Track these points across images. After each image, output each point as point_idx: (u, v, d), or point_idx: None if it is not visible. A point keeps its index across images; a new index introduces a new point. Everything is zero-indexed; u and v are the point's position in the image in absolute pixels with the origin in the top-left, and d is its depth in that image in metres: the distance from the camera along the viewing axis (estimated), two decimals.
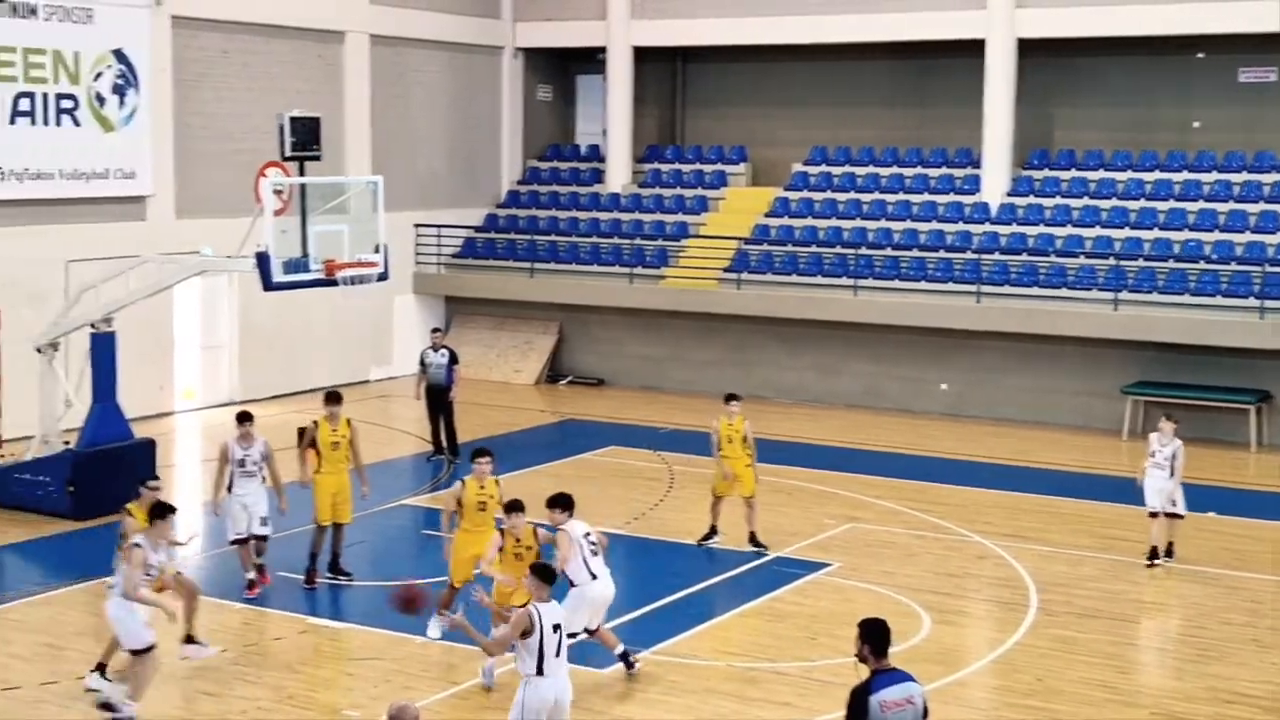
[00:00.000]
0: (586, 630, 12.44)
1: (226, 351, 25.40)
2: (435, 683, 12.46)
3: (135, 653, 11.53)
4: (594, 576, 12.39)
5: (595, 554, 12.48)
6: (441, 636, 13.20)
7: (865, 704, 7.89)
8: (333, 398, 15.27)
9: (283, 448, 22.14)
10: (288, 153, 16.72)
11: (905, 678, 8.06)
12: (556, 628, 9.89)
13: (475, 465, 13.47)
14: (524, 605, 10.24)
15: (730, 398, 16.78)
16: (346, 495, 15.07)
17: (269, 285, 16.43)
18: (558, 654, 9.87)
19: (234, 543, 14.82)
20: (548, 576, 10.10)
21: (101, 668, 12.26)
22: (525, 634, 9.77)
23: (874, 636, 8.09)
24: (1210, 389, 23.45)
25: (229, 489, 14.42)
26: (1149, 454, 16.54)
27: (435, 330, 22.51)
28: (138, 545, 11.48)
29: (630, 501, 18.88)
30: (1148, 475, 16.48)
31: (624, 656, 12.67)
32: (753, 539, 16.56)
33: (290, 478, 15.49)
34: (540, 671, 9.80)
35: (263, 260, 16.21)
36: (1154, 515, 16.43)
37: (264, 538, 14.76)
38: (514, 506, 12.12)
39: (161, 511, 11.77)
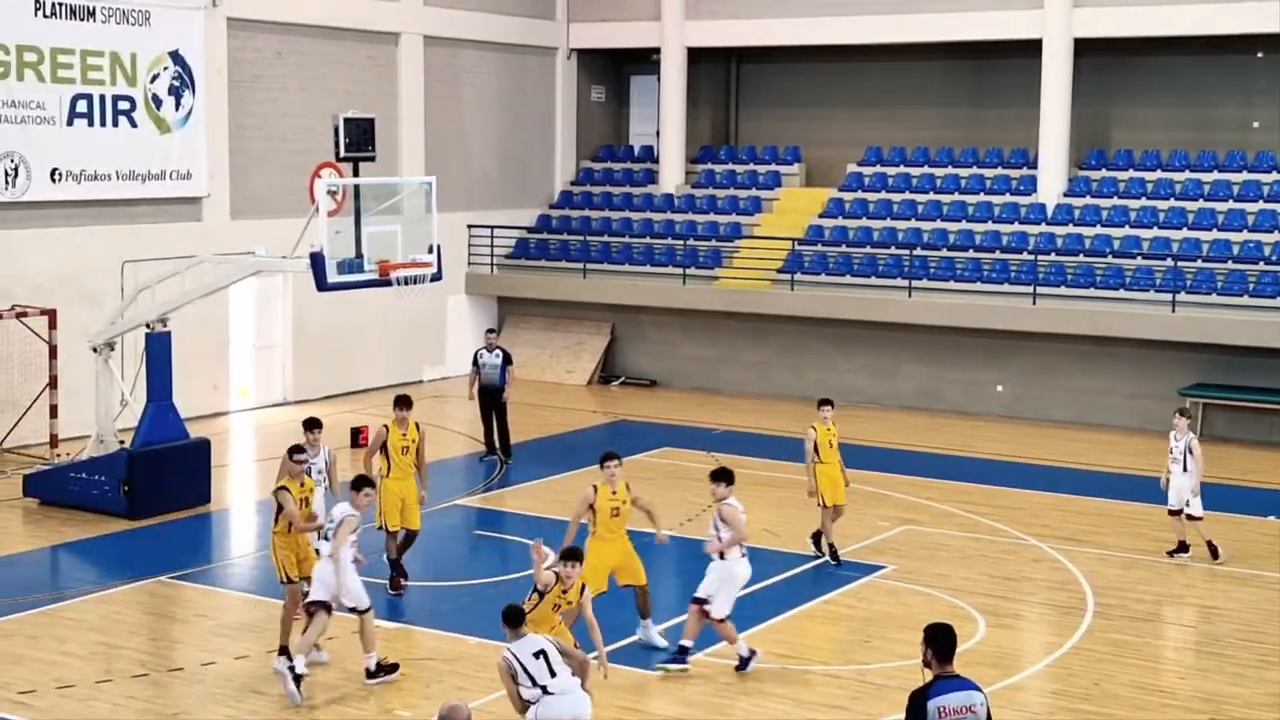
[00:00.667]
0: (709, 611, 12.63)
1: (281, 351, 25.57)
2: (489, 683, 12.43)
3: (357, 611, 12.30)
4: (744, 554, 12.72)
5: None
6: None
7: (924, 709, 7.82)
8: (403, 402, 15.16)
9: (336, 447, 22.33)
10: (342, 153, 16.79)
11: (968, 686, 7.96)
12: (539, 654, 9.78)
13: (605, 468, 13.15)
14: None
15: (824, 403, 16.41)
16: (414, 500, 14.99)
17: (323, 285, 16.49)
18: (554, 674, 9.75)
19: None
20: (515, 621, 9.94)
21: (284, 650, 12.58)
22: (514, 679, 9.73)
23: (938, 642, 8.01)
24: (1269, 391, 23.13)
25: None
26: (1169, 451, 16.52)
27: (489, 331, 22.53)
28: (353, 515, 12.23)
29: (683, 503, 18.82)
30: (1171, 474, 16.42)
31: (682, 651, 12.77)
32: (827, 543, 16.29)
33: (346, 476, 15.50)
34: (547, 691, 9.72)
35: (317, 261, 16.28)
36: (1174, 513, 16.40)
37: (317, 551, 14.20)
38: (572, 555, 11.25)
39: (359, 484, 12.49)
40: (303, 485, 13.02)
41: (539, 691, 9.73)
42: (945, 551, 16.78)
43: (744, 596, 14.97)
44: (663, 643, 13.24)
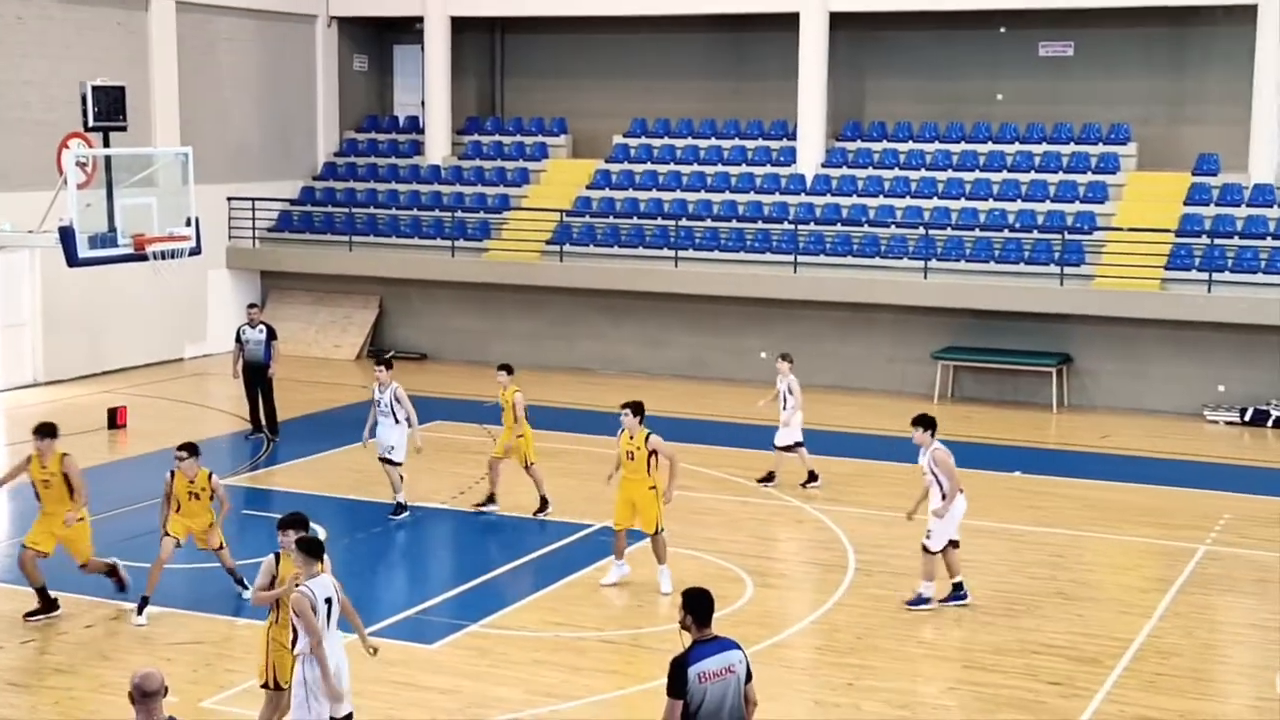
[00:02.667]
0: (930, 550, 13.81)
1: (30, 330, 24.46)
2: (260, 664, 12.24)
3: None
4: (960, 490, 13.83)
5: None
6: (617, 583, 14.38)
7: (684, 675, 7.96)
8: (43, 430, 13.34)
9: (91, 429, 21.62)
10: (91, 123, 16.21)
11: (727, 646, 8.11)
12: (328, 601, 9.76)
13: (622, 417, 14.32)
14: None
15: (500, 368, 17.53)
16: (70, 531, 13.36)
17: (74, 261, 15.91)
18: (328, 626, 9.75)
19: None
20: (315, 551, 9.87)
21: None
22: (314, 610, 9.62)
23: (695, 606, 8.14)
24: (1015, 353, 24.31)
25: None
26: (777, 394, 18.38)
27: (252, 306, 21.97)
28: None
29: (456, 475, 18.80)
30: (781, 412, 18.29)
31: (958, 588, 13.96)
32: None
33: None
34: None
35: (66, 235, 15.69)
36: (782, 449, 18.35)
37: None
38: (290, 524, 10.42)
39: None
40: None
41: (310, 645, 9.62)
42: (714, 516, 17.18)
43: (518, 567, 15.13)
44: (669, 587, 14.09)
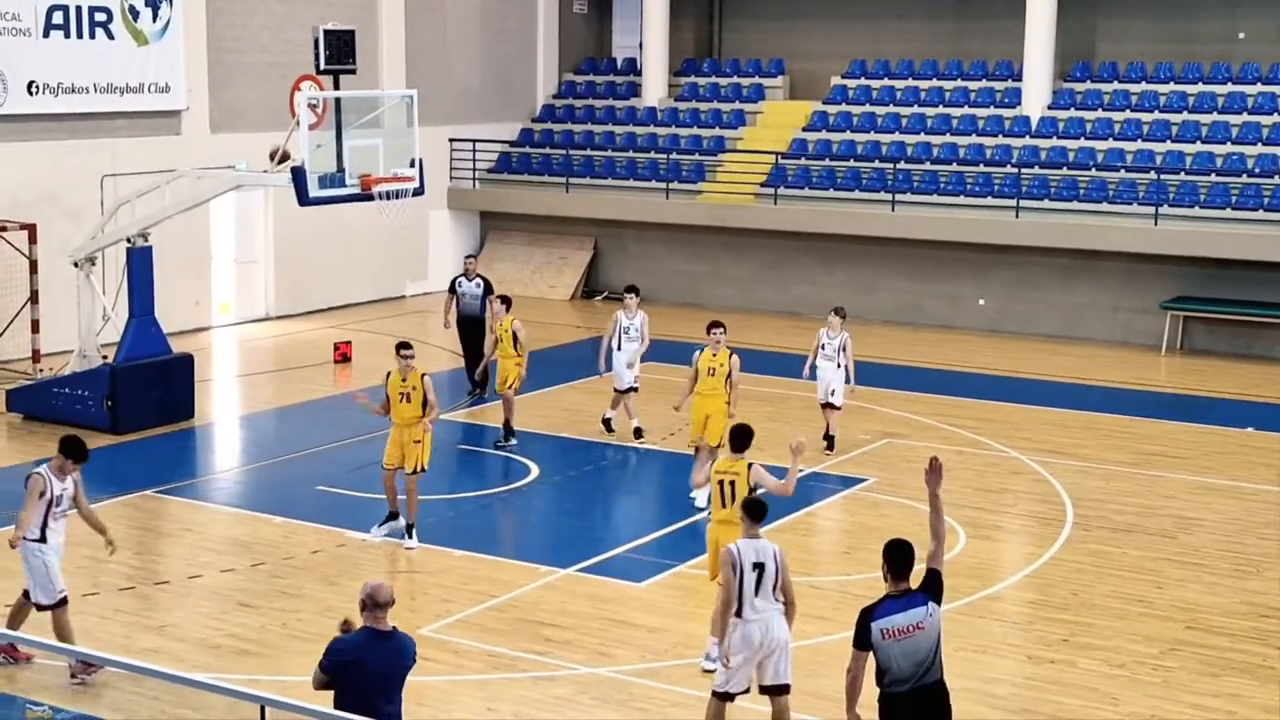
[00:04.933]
0: None
1: (262, 266, 25.46)
2: (474, 596, 12.58)
3: None
4: None
5: None
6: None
7: (868, 628, 7.91)
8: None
9: (317, 363, 22.40)
10: (322, 66, 16.59)
11: (918, 603, 7.98)
12: (757, 566, 9.42)
13: (711, 334, 15.23)
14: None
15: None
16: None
17: (305, 200, 16.38)
18: (757, 593, 9.43)
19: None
20: (758, 513, 9.71)
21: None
22: (733, 570, 9.37)
23: (892, 558, 8.05)
24: (1250, 304, 23.22)
25: (40, 537, 11.12)
26: (819, 346, 17.29)
27: (469, 257, 21.30)
28: None
29: (667, 417, 18.89)
30: (819, 367, 17.28)
31: None
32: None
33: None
34: (740, 614, 9.40)
35: (298, 175, 16.16)
36: (825, 406, 17.38)
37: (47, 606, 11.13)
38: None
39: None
40: (404, 380, 13.79)
41: (734, 610, 9.36)
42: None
43: None
44: (701, 502, 14.51)
